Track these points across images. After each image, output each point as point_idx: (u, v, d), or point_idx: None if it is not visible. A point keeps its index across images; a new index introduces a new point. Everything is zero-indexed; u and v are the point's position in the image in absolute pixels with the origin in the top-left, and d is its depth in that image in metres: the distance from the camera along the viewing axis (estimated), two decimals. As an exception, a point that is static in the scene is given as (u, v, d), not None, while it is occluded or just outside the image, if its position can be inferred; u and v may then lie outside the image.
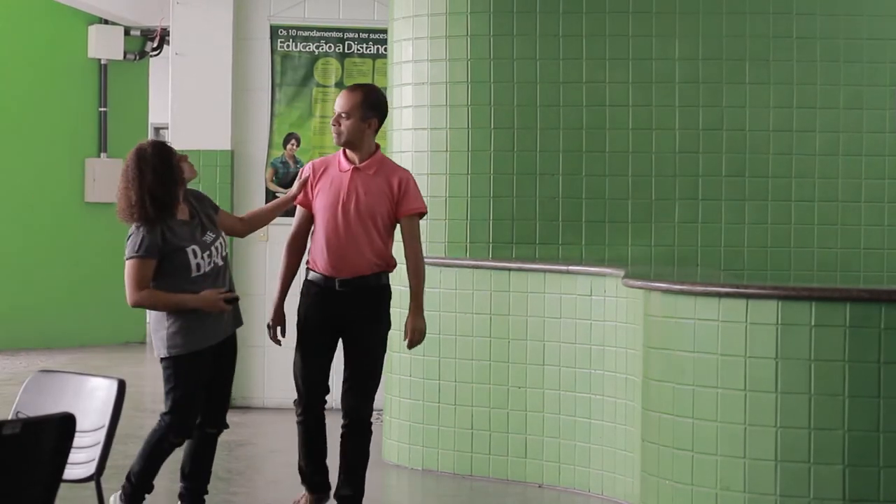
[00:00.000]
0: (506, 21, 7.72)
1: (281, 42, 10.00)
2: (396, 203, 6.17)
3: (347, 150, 6.22)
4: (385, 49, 9.41)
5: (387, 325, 6.33)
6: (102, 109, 14.01)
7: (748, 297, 5.70)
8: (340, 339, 6.38)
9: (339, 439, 6.47)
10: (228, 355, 6.17)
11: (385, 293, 6.31)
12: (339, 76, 10.01)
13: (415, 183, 6.26)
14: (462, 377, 7.60)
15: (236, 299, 6.08)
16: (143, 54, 14.01)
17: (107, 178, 13.92)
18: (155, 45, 13.80)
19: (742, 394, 5.69)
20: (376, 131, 6.23)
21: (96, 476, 4.81)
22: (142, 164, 5.85)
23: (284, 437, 9.18)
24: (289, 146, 10.00)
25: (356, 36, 10.00)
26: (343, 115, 6.14)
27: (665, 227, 7.65)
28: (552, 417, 7.33)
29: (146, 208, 5.83)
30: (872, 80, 7.73)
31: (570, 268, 7.25)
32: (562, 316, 7.26)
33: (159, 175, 5.83)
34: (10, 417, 4.81)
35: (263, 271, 10.02)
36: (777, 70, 7.68)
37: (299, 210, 6.39)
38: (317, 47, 10.00)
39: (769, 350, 5.64)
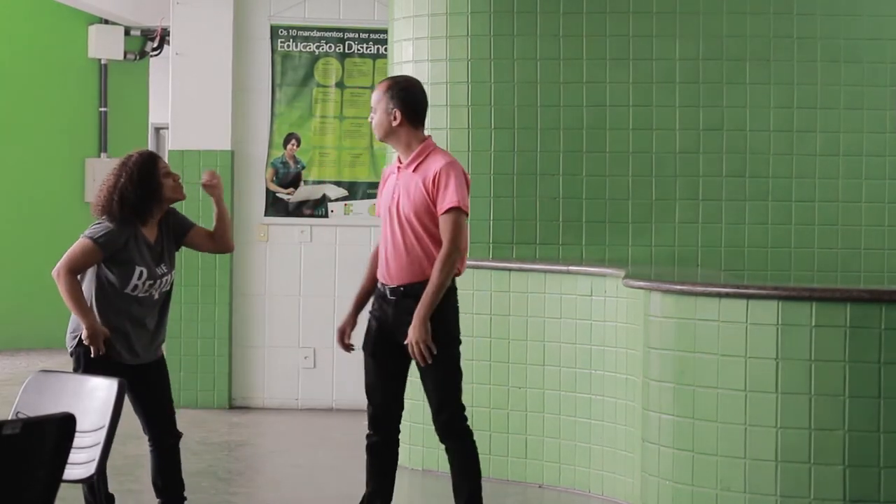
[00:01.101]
0: (506, 21, 7.72)
1: (281, 42, 10.00)
2: (433, 201, 5.71)
3: (395, 150, 5.91)
4: (385, 49, 9.41)
5: (441, 332, 5.72)
6: (102, 109, 14.01)
7: (748, 297, 5.70)
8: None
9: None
10: (154, 375, 6.03)
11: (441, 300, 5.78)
12: (339, 76, 10.01)
13: (455, 175, 5.71)
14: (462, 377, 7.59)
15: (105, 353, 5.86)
16: (143, 54, 14.01)
17: (107, 178, 13.91)
18: (155, 45, 13.79)
19: (742, 394, 5.69)
20: (413, 124, 5.79)
21: (96, 476, 4.81)
22: (123, 167, 5.93)
23: (284, 438, 9.19)
24: (289, 146, 10.00)
25: (356, 36, 10.00)
26: (372, 110, 5.87)
27: (665, 228, 7.65)
28: (552, 418, 7.33)
29: (112, 206, 5.87)
30: (873, 81, 7.73)
31: (571, 268, 7.24)
32: (562, 316, 7.26)
33: (133, 180, 5.87)
34: (10, 417, 4.81)
35: (263, 271, 10.02)
36: (777, 70, 7.68)
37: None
38: (317, 47, 10.00)
39: (769, 350, 5.63)
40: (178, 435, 6.13)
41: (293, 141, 10.00)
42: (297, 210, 9.99)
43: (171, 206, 6.07)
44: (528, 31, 7.71)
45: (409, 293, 5.75)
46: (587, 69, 7.68)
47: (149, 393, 6.01)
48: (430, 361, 5.68)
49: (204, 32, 9.98)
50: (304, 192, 10.00)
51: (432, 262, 5.72)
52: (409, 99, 5.81)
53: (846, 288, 6.02)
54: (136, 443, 8.67)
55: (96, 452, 4.80)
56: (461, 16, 7.76)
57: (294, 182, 10.00)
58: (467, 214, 5.76)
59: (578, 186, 7.67)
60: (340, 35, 10.00)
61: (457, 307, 5.86)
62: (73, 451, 4.14)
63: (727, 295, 5.76)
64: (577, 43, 7.69)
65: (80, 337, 5.86)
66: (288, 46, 10.00)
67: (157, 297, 5.96)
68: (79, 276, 5.89)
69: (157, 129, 15.80)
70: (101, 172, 13.84)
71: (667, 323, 5.98)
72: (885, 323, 5.50)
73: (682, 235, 7.65)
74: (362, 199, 10.00)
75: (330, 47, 10.00)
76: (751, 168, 7.67)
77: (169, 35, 10.39)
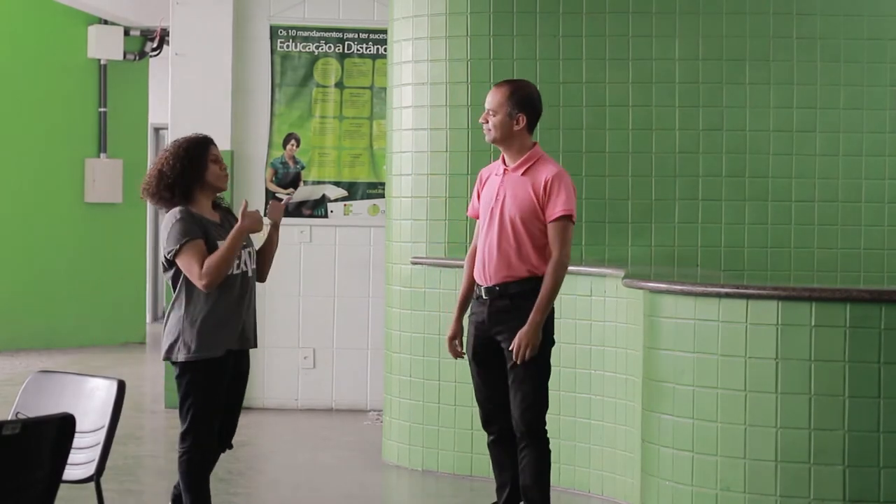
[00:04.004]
0: (506, 21, 7.72)
1: (281, 42, 10.00)
2: (542, 206, 5.82)
3: (504, 153, 5.96)
4: (385, 49, 9.41)
5: (543, 334, 5.87)
6: (102, 110, 14.01)
7: (748, 297, 5.70)
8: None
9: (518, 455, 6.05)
10: (237, 375, 5.90)
11: (529, 300, 5.86)
12: (338, 76, 10.01)
13: (565, 183, 5.83)
14: (462, 377, 7.59)
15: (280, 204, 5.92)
16: (142, 54, 14.01)
17: (106, 179, 13.92)
18: (155, 45, 13.79)
19: (742, 394, 5.69)
20: (530, 129, 5.91)
21: (96, 476, 4.81)
22: (170, 147, 5.85)
23: (284, 438, 9.19)
24: (288, 146, 10.00)
25: (356, 36, 10.00)
26: (490, 111, 5.89)
27: (665, 228, 7.65)
28: (552, 418, 7.30)
29: (152, 184, 5.78)
30: (872, 81, 7.73)
31: (571, 268, 7.22)
32: (562, 316, 7.25)
33: (177, 158, 5.77)
34: (10, 418, 4.81)
35: (263, 271, 10.01)
36: (777, 70, 7.68)
37: (477, 223, 6.08)
38: (317, 47, 10.00)
39: (769, 350, 5.63)
40: (228, 447, 5.96)
41: (293, 141, 10.00)
42: (297, 210, 9.99)
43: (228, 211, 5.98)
44: (527, 31, 7.71)
45: (504, 293, 5.86)
46: (587, 69, 7.68)
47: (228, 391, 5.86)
48: (525, 361, 5.80)
49: (204, 32, 9.98)
50: (303, 193, 10.00)
51: (528, 264, 5.85)
52: (532, 105, 5.92)
53: (846, 288, 6.01)
54: (136, 443, 8.68)
55: (96, 452, 4.80)
56: (461, 16, 7.76)
57: (294, 182, 10.00)
58: (574, 223, 5.90)
59: (578, 186, 7.64)
60: (340, 35, 10.00)
61: (553, 309, 5.98)
62: (72, 451, 4.14)
63: (727, 295, 5.76)
64: (577, 43, 7.69)
65: (180, 349, 5.69)
66: (287, 47, 10.00)
67: (250, 273, 5.83)
68: (180, 283, 5.72)
69: (157, 130, 15.80)
70: (100, 173, 13.86)
71: (667, 323, 5.98)
72: (885, 323, 5.50)
73: (682, 235, 7.65)
74: (362, 199, 10.00)
75: (329, 47, 10.00)
76: (751, 168, 7.67)
77: (168, 35, 10.39)
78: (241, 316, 5.80)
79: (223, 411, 5.86)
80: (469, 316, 6.04)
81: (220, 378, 5.78)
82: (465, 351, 6.08)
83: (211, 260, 5.64)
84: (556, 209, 5.80)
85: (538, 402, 5.93)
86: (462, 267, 7.56)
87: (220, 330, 5.73)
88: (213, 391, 5.75)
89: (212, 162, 5.82)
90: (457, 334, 6.08)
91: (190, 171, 5.76)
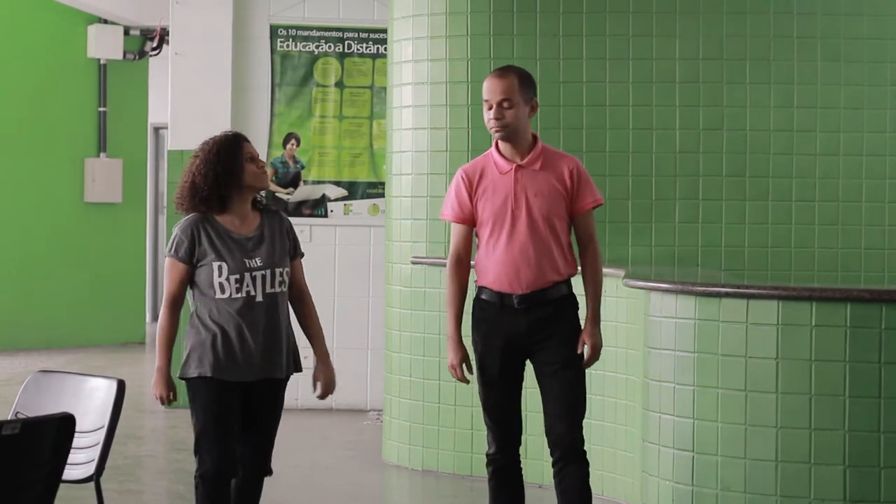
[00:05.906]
0: (506, 21, 7.72)
1: (281, 42, 10.00)
2: (571, 198, 5.35)
3: (500, 146, 5.38)
4: (385, 49, 9.41)
5: (578, 338, 5.44)
6: (102, 109, 14.00)
7: (748, 297, 5.70)
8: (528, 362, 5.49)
9: (554, 476, 5.41)
10: (259, 396, 5.43)
11: (573, 304, 5.48)
12: (338, 76, 10.01)
13: (585, 170, 5.43)
14: (462, 377, 7.58)
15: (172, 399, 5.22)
16: (142, 54, 14.01)
17: (106, 178, 13.91)
18: (154, 44, 13.80)
19: (742, 394, 5.69)
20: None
21: (96, 476, 4.81)
22: (202, 147, 5.26)
23: (283, 438, 9.18)
24: (288, 146, 10.00)
25: (356, 36, 10.00)
26: (505, 103, 5.25)
27: (665, 227, 7.65)
28: (552, 418, 7.31)
29: (186, 199, 5.19)
30: (873, 80, 7.73)
31: (571, 268, 7.22)
32: (562, 316, 7.25)
33: (209, 161, 5.16)
34: (9, 418, 4.81)
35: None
36: (777, 70, 7.68)
37: (458, 227, 5.45)
38: (316, 47, 10.00)
39: (769, 350, 5.63)
40: (264, 471, 5.44)
41: (293, 141, 10.00)
42: (297, 210, 9.98)
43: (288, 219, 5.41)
44: (527, 30, 7.71)
45: (544, 299, 5.36)
46: (587, 69, 7.68)
47: (247, 413, 5.37)
48: (573, 369, 5.39)
49: (203, 32, 9.98)
50: (303, 192, 10.00)
51: (570, 266, 5.43)
52: (536, 89, 5.44)
53: (846, 288, 6.01)
54: (136, 443, 8.68)
55: (96, 452, 4.80)
56: (461, 15, 7.76)
57: (293, 182, 10.00)
58: None
59: (578, 186, 7.65)
60: (340, 35, 10.00)
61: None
62: (73, 451, 4.14)
63: (727, 295, 5.76)
64: (577, 43, 7.69)
65: (186, 366, 5.24)
66: (287, 46, 10.00)
67: (259, 297, 5.17)
68: (190, 297, 5.21)
69: (157, 129, 15.80)
70: (100, 172, 13.86)
71: (667, 323, 5.98)
72: (885, 323, 5.49)
73: (682, 235, 7.65)
74: (362, 198, 9.99)
75: (329, 47, 10.00)
76: (751, 168, 7.67)
77: (168, 35, 10.39)
78: (242, 343, 5.21)
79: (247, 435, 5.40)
80: (483, 331, 5.46)
81: (212, 398, 5.21)
82: (472, 371, 5.51)
83: (159, 328, 5.19)
84: (588, 199, 5.38)
85: (583, 412, 5.39)
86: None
87: (204, 352, 5.20)
88: (205, 409, 5.21)
89: (248, 161, 5.20)
90: (465, 357, 5.45)
91: (225, 178, 5.16)
